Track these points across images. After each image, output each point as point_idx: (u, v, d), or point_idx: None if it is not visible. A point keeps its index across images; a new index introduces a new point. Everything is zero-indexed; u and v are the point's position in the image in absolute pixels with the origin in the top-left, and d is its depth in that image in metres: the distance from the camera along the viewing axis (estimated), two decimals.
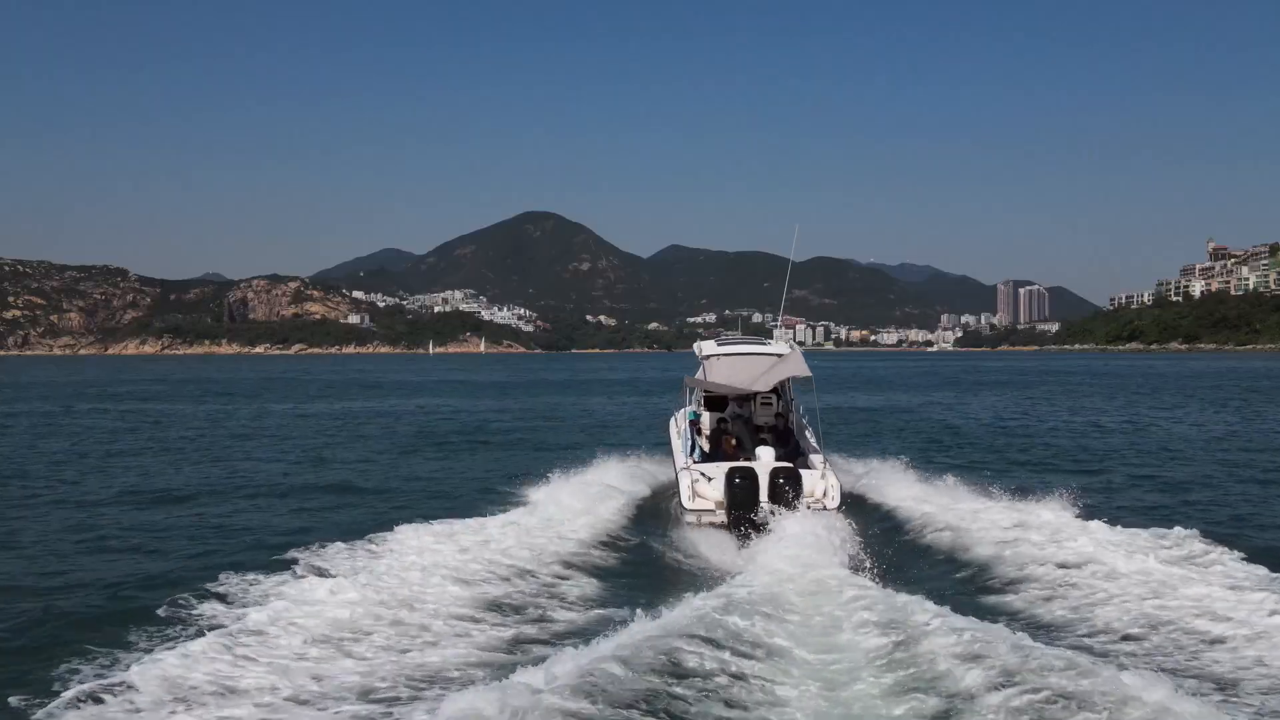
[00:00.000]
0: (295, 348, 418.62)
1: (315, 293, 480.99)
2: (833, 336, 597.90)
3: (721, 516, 15.72)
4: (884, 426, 39.75)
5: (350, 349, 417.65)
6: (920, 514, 16.81)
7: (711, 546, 14.75)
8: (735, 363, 19.31)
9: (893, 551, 14.33)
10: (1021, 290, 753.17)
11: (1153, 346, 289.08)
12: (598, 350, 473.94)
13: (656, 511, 17.90)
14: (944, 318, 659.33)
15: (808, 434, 19.92)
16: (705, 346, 20.79)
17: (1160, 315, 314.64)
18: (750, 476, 15.49)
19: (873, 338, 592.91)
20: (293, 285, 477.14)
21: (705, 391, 20.67)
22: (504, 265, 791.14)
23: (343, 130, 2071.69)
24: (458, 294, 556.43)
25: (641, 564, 14.44)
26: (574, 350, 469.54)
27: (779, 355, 19.40)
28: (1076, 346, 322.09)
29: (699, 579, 12.88)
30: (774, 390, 19.74)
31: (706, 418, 20.51)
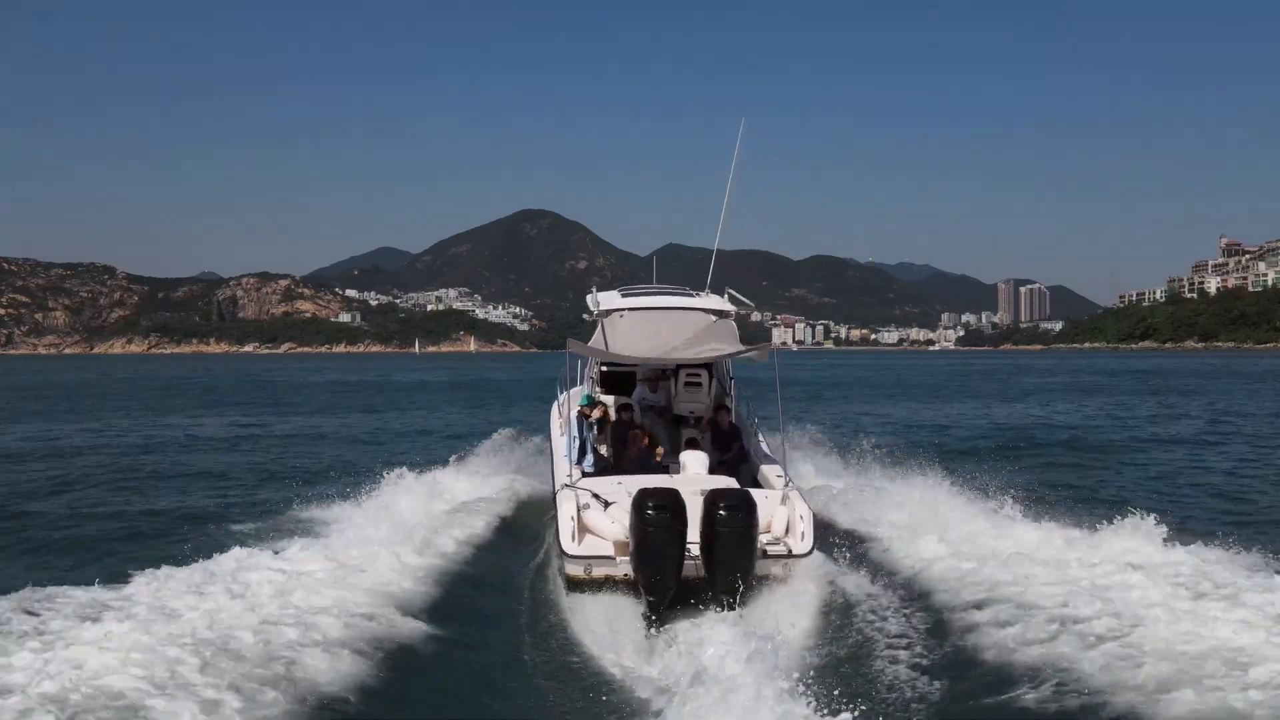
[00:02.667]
0: (285, 346, 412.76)
1: (306, 291, 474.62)
2: (832, 335, 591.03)
3: (626, 568, 10.07)
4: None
5: (341, 348, 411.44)
6: (954, 569, 10.84)
7: (609, 625, 9.50)
8: (648, 322, 13.53)
9: (928, 658, 8.65)
10: (1022, 289, 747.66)
11: (1167, 344, 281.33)
12: None
13: (517, 554, 12.49)
14: (944, 316, 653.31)
15: (756, 433, 14.59)
16: (605, 298, 14.79)
17: (1175, 312, 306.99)
18: (671, 502, 9.65)
19: (873, 337, 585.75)
20: (283, 283, 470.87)
21: (603, 365, 15.70)
22: (500, 263, 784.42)
23: (338, 129, 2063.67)
24: (451, 292, 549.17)
25: (474, 662, 8.60)
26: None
27: (716, 314, 13.66)
28: (1086, 345, 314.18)
29: (586, 701, 7.78)
30: (704, 365, 14.61)
31: (610, 406, 14.70)
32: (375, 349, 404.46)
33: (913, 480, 15.97)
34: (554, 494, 12.10)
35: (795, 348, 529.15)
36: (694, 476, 11.47)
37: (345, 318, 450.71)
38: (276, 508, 15.90)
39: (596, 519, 10.83)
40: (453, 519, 13.53)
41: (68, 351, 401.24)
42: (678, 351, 12.90)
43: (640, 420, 14.19)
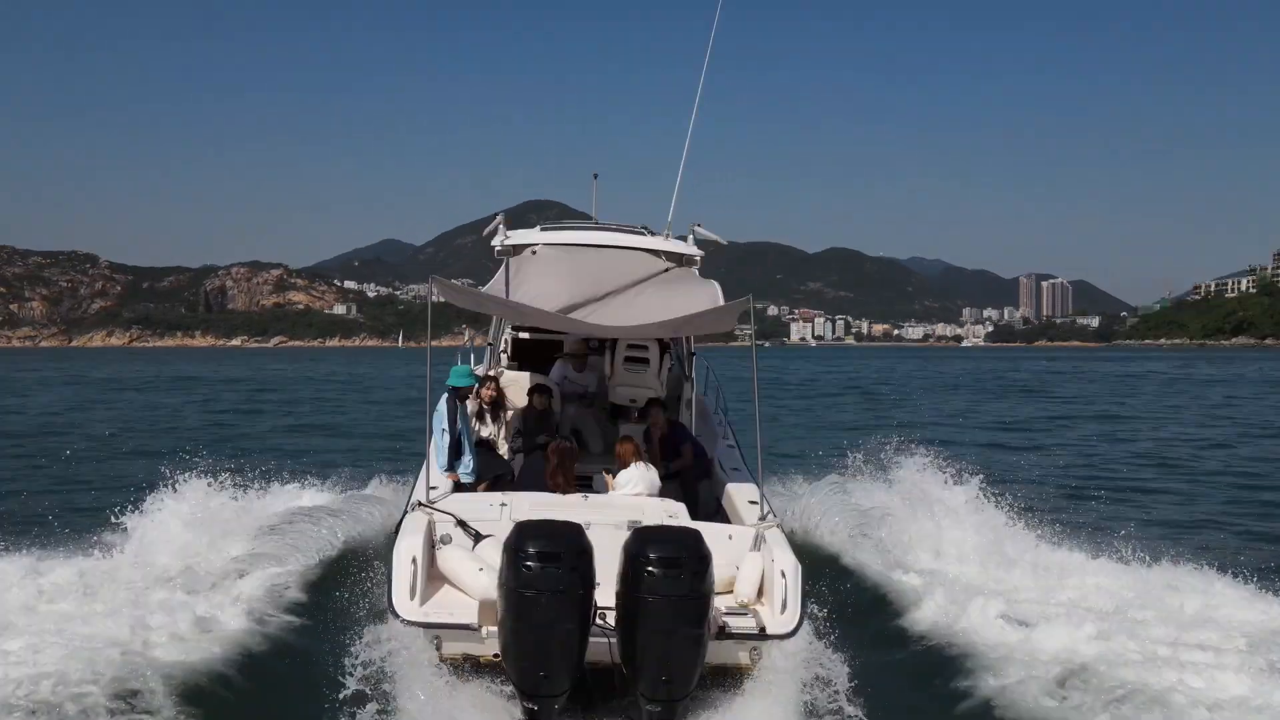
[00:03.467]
0: (275, 340, 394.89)
1: (299, 281, 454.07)
2: (853, 330, 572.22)
3: (493, 645, 6.43)
4: None
5: (335, 341, 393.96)
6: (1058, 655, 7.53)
7: None
8: (572, 264, 9.80)
9: None
10: (1044, 284, 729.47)
11: (1267, 340, 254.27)
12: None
13: (353, 604, 8.49)
14: (966, 311, 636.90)
15: (726, 436, 10.96)
16: (518, 234, 11.13)
17: (1272, 304, 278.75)
18: (567, 548, 6.07)
19: (895, 332, 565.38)
20: (275, 273, 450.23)
21: (517, 330, 11.91)
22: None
23: (340, 120, 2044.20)
24: (454, 283, 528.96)
25: None
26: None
27: (673, 259, 10.30)
28: (1164, 341, 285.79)
29: None
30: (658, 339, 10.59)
31: (513, 384, 10.72)
32: (370, 343, 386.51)
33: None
34: (400, 520, 8.00)
35: (815, 344, 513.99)
36: (615, 502, 7.96)
37: (340, 310, 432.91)
38: None
39: (457, 562, 7.18)
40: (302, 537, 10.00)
41: (44, 344, 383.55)
42: (609, 310, 8.55)
43: (554, 413, 10.22)
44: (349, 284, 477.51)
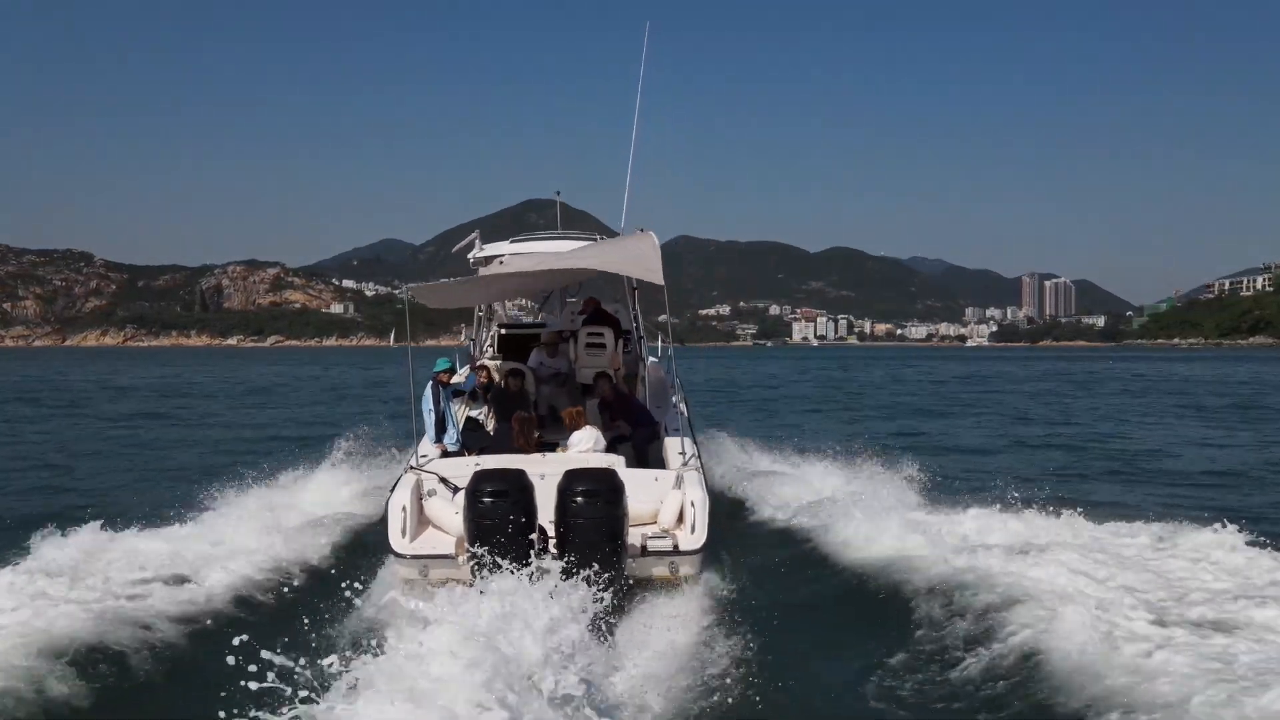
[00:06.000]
0: (271, 339, 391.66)
1: (297, 280, 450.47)
2: (856, 330, 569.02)
3: (468, 571, 8.14)
4: None
5: (332, 341, 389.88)
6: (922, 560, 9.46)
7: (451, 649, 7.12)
8: (531, 264, 11.90)
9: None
10: (1047, 283, 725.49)
11: None
12: None
13: (360, 553, 10.51)
14: (968, 311, 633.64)
15: (679, 404, 12.75)
16: (492, 246, 14.05)
17: None
18: (514, 485, 8.03)
19: (898, 331, 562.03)
20: (272, 272, 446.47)
21: (502, 328, 14.86)
22: None
23: (339, 119, 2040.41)
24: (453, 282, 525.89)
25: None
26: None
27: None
28: (1179, 341, 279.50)
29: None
30: (608, 324, 13.56)
31: (491, 369, 12.87)
32: (369, 343, 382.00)
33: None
34: (396, 481, 9.90)
35: (816, 343, 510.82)
36: (568, 456, 9.84)
37: (338, 309, 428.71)
38: None
39: (440, 510, 9.14)
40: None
41: (38, 344, 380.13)
42: (559, 263, 10.71)
43: (535, 390, 12.47)
44: (347, 283, 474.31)
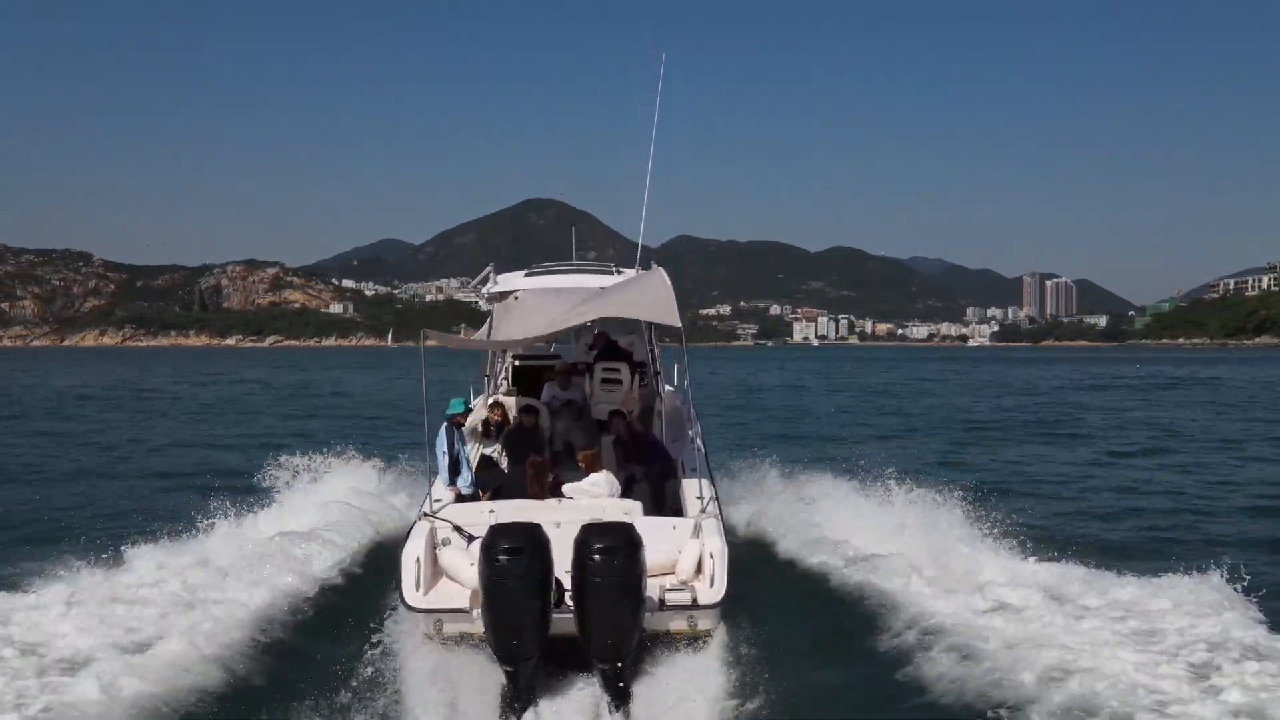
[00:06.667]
0: (270, 339, 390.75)
1: (296, 280, 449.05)
2: (856, 330, 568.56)
3: (481, 625, 8.03)
4: None
5: (331, 341, 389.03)
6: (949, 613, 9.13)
7: (455, 705, 7.64)
8: (546, 304, 11.38)
9: None
10: (1048, 283, 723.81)
11: None
12: None
13: (368, 607, 10.13)
14: (969, 311, 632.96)
15: (695, 438, 12.28)
16: (505, 277, 13.56)
17: None
18: (529, 542, 7.72)
19: (899, 331, 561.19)
20: (271, 272, 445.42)
21: (515, 359, 14.48)
22: (506, 254, 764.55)
23: (339, 118, 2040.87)
24: (453, 283, 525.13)
25: None
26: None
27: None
28: (1183, 341, 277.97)
29: None
30: (623, 354, 13.53)
31: (509, 407, 12.72)
32: (368, 343, 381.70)
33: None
34: (410, 528, 9.80)
35: (817, 343, 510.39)
36: (583, 504, 9.46)
37: (337, 309, 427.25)
38: None
39: (454, 560, 8.90)
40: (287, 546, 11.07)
41: (36, 344, 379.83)
42: (575, 311, 10.32)
43: (550, 424, 12.08)
44: (347, 283, 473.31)
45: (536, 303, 11.29)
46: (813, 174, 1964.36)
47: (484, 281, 12.58)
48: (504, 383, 14.36)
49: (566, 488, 9.96)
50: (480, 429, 12.35)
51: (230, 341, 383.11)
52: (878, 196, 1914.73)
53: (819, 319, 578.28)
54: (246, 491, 14.50)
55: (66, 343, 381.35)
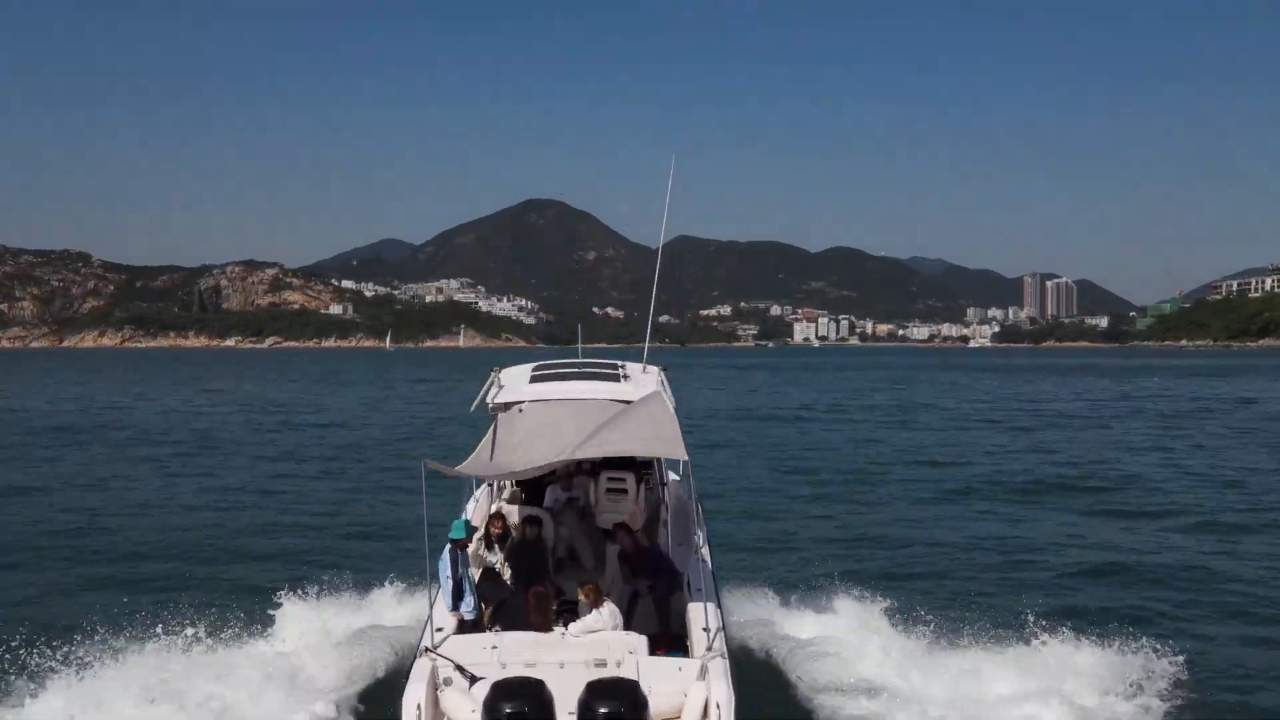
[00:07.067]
0: (269, 341, 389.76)
1: (295, 281, 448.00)
2: (857, 330, 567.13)
3: None
4: None
5: (331, 342, 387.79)
6: None
7: None
8: (550, 419, 11.15)
9: None
10: (1049, 283, 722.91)
11: None
12: (604, 345, 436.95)
13: None
14: (970, 311, 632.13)
15: (701, 547, 11.62)
16: (510, 378, 12.56)
17: None
18: (533, 702, 8.00)
19: (900, 332, 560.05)
20: (270, 273, 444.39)
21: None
22: (505, 254, 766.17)
23: (339, 118, 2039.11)
24: (453, 283, 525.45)
25: None
26: (579, 344, 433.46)
27: (628, 404, 11.17)
28: (1185, 343, 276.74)
29: None
30: (629, 465, 13.02)
31: (513, 514, 12.47)
32: (368, 344, 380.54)
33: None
34: (410, 664, 9.52)
35: (818, 344, 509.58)
36: (590, 640, 9.27)
37: (337, 309, 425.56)
38: None
39: (455, 702, 8.62)
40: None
41: (35, 345, 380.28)
42: (579, 446, 9.92)
43: (554, 531, 11.85)
44: (346, 283, 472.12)
45: (540, 421, 11.02)
46: (813, 174, 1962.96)
47: (490, 388, 12.09)
48: (507, 485, 13.87)
49: (572, 628, 9.61)
50: (483, 540, 11.97)
51: (229, 343, 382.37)
52: (878, 196, 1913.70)
53: (819, 319, 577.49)
54: (204, 605, 13.24)
55: (65, 344, 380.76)
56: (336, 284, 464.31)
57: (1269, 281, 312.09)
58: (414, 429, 47.17)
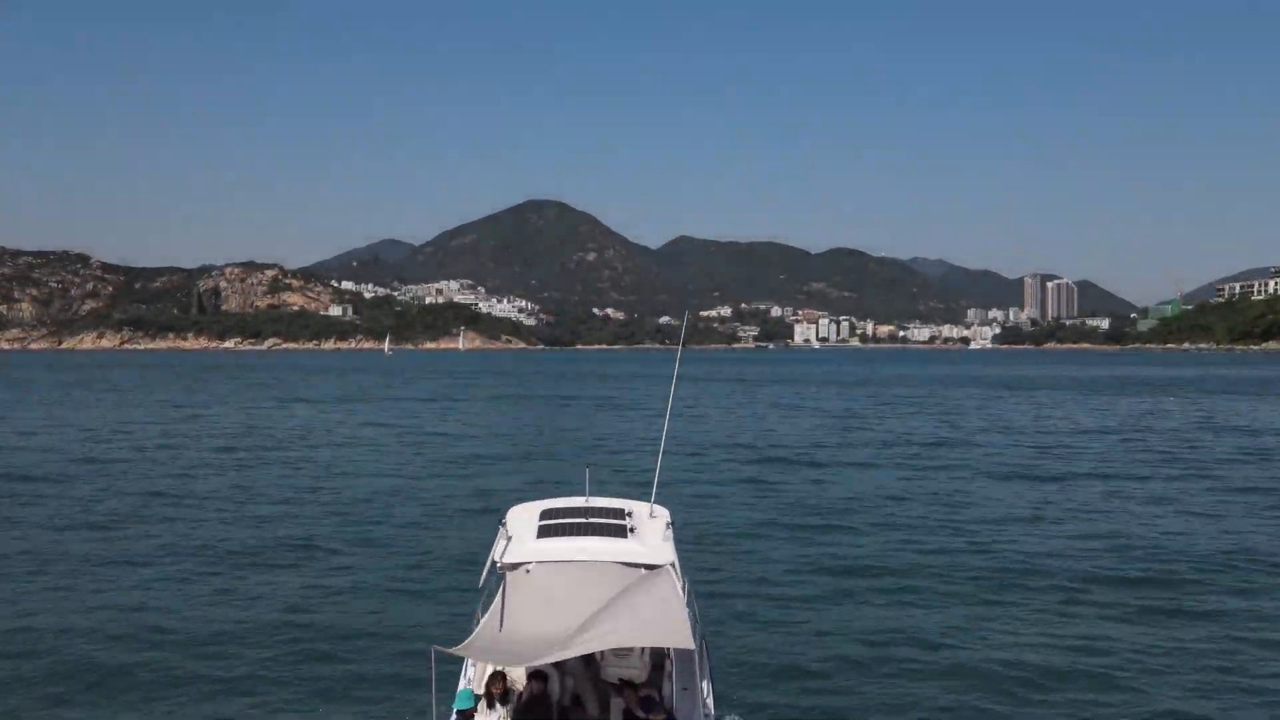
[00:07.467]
0: (269, 342, 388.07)
1: (294, 282, 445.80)
2: (858, 332, 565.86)
3: None
4: None
5: (330, 343, 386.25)
6: None
7: None
8: (561, 585, 11.04)
9: None
10: (1049, 284, 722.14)
11: None
12: (605, 347, 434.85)
13: None
14: (970, 312, 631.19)
15: (702, 703, 11.17)
16: (515, 520, 12.53)
17: None
18: None
19: (901, 334, 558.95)
20: (270, 274, 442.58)
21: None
22: (506, 255, 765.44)
23: (339, 118, 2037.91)
24: (453, 284, 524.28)
25: None
26: (579, 346, 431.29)
27: (650, 569, 11.11)
28: (1189, 346, 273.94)
29: None
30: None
31: (514, 670, 11.97)
32: (367, 345, 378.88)
33: None
34: None
35: (818, 344, 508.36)
36: None
37: (336, 311, 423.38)
38: None
39: None
40: None
41: (33, 347, 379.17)
42: (583, 637, 9.53)
43: (560, 682, 11.60)
44: (346, 285, 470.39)
45: (549, 586, 10.89)
46: (813, 174, 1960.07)
47: (502, 544, 11.79)
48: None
49: None
50: (484, 698, 11.56)
51: (228, 344, 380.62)
52: (878, 197, 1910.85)
53: (820, 321, 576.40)
54: None
55: (64, 345, 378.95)
56: (336, 285, 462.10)
57: (1273, 284, 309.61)
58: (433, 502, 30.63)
